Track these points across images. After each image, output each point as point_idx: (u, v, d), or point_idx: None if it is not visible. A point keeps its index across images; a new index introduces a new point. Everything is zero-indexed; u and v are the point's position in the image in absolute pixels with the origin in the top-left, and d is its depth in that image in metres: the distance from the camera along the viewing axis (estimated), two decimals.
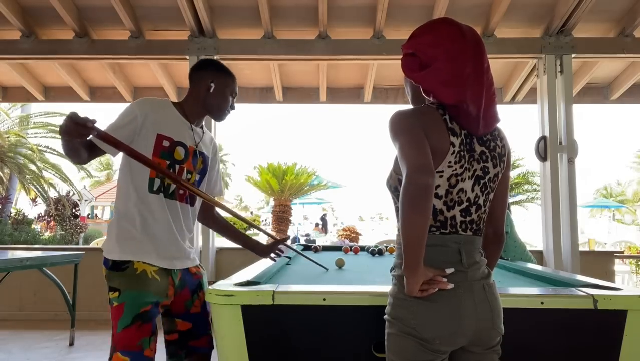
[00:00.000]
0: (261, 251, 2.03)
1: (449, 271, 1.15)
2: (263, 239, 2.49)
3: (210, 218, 2.04)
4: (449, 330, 1.14)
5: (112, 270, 1.65)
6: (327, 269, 2.23)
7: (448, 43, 1.21)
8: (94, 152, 1.64)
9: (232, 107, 1.87)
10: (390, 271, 1.25)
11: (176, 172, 1.73)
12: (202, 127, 1.88)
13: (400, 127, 1.19)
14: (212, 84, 1.79)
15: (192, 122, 1.81)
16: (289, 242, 2.22)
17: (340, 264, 2.41)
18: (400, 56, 1.32)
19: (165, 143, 1.70)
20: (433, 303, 1.13)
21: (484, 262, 1.24)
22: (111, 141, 1.52)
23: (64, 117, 1.40)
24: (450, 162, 1.18)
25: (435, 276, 1.13)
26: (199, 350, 1.79)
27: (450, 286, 1.13)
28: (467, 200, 1.21)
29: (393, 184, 1.25)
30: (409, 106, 1.33)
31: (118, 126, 1.65)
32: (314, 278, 2.04)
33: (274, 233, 2.18)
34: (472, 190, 1.22)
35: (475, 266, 1.20)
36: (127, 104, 1.74)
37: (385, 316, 1.21)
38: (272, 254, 2.05)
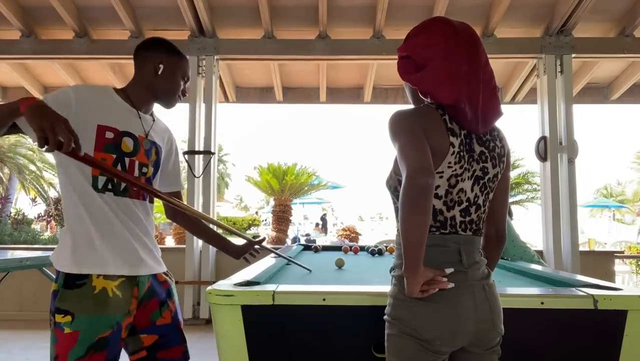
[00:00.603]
0: (234, 252, 1.87)
1: (448, 271, 1.15)
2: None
3: (179, 214, 1.82)
4: (449, 330, 1.14)
5: (65, 288, 1.42)
6: (310, 271, 2.17)
7: (442, 42, 1.20)
8: (8, 130, 1.36)
9: (184, 93, 1.67)
10: (390, 271, 1.25)
11: (126, 166, 1.52)
12: (152, 115, 1.68)
13: (400, 127, 1.19)
14: (161, 65, 1.58)
15: (139, 109, 1.60)
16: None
17: (340, 264, 2.41)
18: None
19: (109, 134, 1.49)
20: (433, 304, 1.13)
21: (483, 262, 1.24)
22: (92, 162, 1.37)
23: (49, 113, 1.18)
24: (450, 162, 1.18)
25: (435, 276, 1.13)
26: None
27: (451, 285, 1.13)
28: (466, 200, 1.21)
29: (393, 185, 1.25)
30: (409, 106, 1.32)
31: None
32: (314, 278, 2.04)
33: (247, 235, 2.17)
34: (472, 190, 1.22)
35: (475, 266, 1.20)
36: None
37: (385, 317, 1.21)
38: (247, 255, 1.92)
